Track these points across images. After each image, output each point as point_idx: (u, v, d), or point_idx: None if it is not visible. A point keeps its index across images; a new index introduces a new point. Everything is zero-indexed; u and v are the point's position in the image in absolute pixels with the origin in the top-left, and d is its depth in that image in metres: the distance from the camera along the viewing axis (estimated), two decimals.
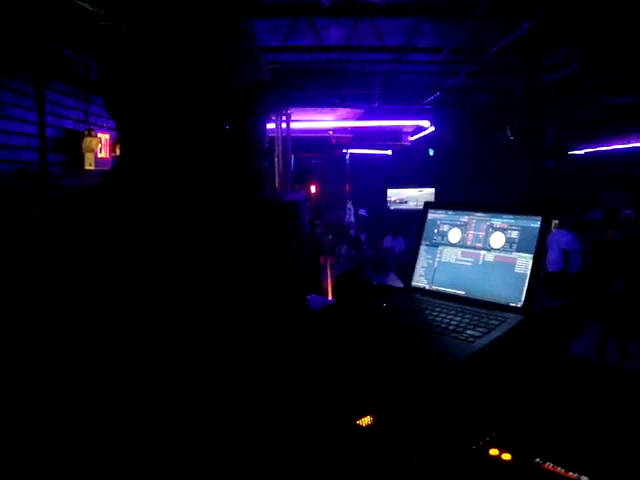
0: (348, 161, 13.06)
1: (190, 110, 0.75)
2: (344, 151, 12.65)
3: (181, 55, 0.74)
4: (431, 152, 13.21)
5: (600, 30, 5.24)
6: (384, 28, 6.44)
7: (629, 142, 10.37)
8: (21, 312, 0.69)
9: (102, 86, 0.77)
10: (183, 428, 0.67)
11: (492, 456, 0.87)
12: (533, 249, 1.21)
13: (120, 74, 0.75)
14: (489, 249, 1.28)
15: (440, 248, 1.37)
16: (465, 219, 1.35)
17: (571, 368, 1.13)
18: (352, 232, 10.54)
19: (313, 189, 12.27)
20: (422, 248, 1.40)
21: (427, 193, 13.72)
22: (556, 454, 0.84)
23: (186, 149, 0.76)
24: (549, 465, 0.82)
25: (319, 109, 8.88)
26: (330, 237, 8.81)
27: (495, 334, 1.11)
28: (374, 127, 10.58)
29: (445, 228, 1.38)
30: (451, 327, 1.16)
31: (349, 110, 9.22)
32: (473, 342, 1.09)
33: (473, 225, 1.33)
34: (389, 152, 13.24)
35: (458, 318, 1.18)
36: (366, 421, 1.00)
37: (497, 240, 1.27)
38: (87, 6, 4.01)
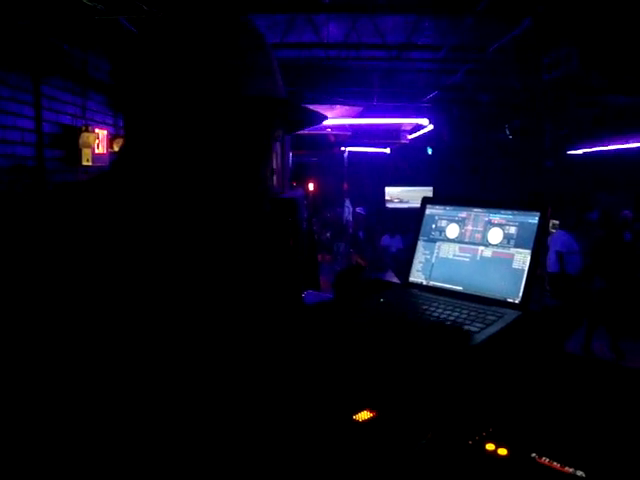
0: (346, 159, 13.05)
1: (204, 116, 0.74)
2: (342, 149, 12.65)
3: (196, 60, 0.73)
4: (429, 151, 13.22)
5: (600, 29, 5.24)
6: (383, 25, 6.44)
7: (628, 142, 10.38)
8: (15, 311, 0.69)
9: (117, 88, 0.77)
10: (180, 425, 0.67)
11: (488, 451, 0.86)
12: (531, 245, 1.20)
13: (136, 82, 0.75)
14: (487, 245, 1.27)
15: (438, 243, 1.36)
16: (463, 215, 1.34)
17: (567, 364, 1.12)
18: (350, 230, 10.54)
19: (311, 187, 12.28)
20: (420, 243, 1.40)
21: (428, 193, 13.72)
22: (552, 449, 0.84)
23: (193, 151, 0.76)
24: (545, 460, 0.82)
25: (317, 106, 8.87)
26: (328, 235, 8.82)
27: (492, 330, 1.10)
28: (373, 125, 10.58)
29: (443, 223, 1.37)
30: (448, 322, 1.15)
31: (348, 108, 9.23)
32: (470, 337, 1.08)
33: (471, 221, 1.32)
34: (388, 150, 13.24)
35: (455, 313, 1.18)
36: (362, 416, 0.99)
37: (495, 236, 1.27)
38: (85, 0, 3.99)
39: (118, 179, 0.77)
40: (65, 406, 0.66)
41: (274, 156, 0.87)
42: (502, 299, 1.20)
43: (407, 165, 13.64)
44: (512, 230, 1.24)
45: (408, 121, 10.57)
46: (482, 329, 1.11)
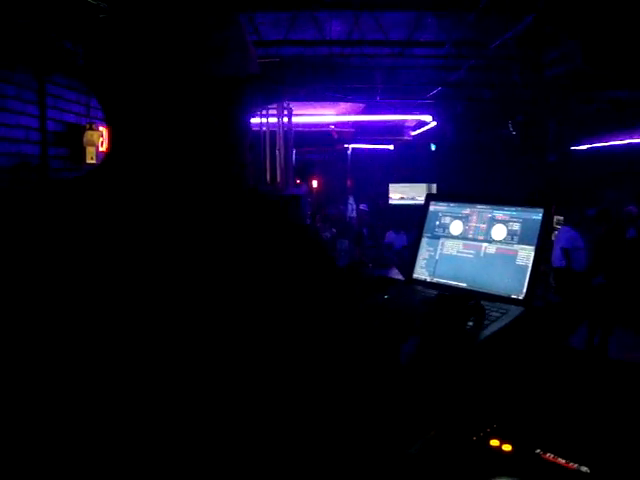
0: (350, 156, 13.04)
1: (175, 98, 0.73)
2: (346, 146, 12.64)
3: (166, 41, 0.72)
4: (433, 147, 13.19)
5: (603, 24, 5.21)
6: (386, 22, 6.42)
7: (632, 137, 10.33)
8: (18, 312, 0.69)
9: (88, 73, 0.76)
10: (182, 425, 0.67)
11: (493, 447, 0.87)
12: (535, 241, 1.20)
13: (106, 62, 0.73)
14: (491, 241, 1.27)
15: (441, 240, 1.36)
16: (467, 211, 1.34)
17: (571, 360, 1.12)
18: (355, 227, 10.53)
19: (315, 184, 12.27)
20: (423, 240, 1.40)
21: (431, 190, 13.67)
22: (556, 445, 0.84)
23: (172, 138, 0.75)
24: (549, 456, 0.82)
25: (321, 103, 8.86)
26: (333, 230, 8.81)
27: (496, 326, 1.10)
28: (376, 122, 10.56)
29: (447, 220, 1.37)
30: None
31: (351, 104, 9.21)
32: (474, 334, 1.08)
33: (475, 217, 1.32)
34: (391, 147, 13.22)
35: None
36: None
37: (499, 232, 1.27)
38: None
39: (104, 174, 0.77)
40: (64, 406, 0.66)
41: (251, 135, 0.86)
42: (506, 295, 1.20)
43: (410, 162, 13.61)
44: (516, 226, 1.24)
45: (411, 118, 10.55)
46: (486, 325, 1.11)
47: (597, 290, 6.03)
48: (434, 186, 13.80)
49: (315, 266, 0.74)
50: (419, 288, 1.35)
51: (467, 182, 12.50)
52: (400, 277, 1.57)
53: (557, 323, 1.21)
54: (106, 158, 0.78)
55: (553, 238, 6.76)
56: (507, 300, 1.19)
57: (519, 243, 1.22)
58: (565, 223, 7.02)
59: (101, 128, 5.10)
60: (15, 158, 4.06)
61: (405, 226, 10.49)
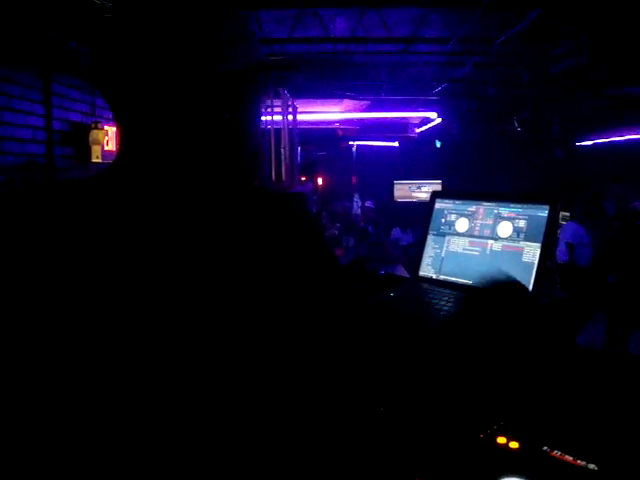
0: (355, 153, 13.02)
1: (184, 94, 0.73)
2: (351, 143, 12.62)
3: (171, 38, 0.72)
4: (438, 144, 13.14)
5: (609, 20, 5.19)
6: (390, 19, 6.40)
7: (638, 133, 10.27)
8: (19, 310, 0.69)
9: (95, 72, 0.76)
10: (184, 424, 0.67)
11: (500, 444, 0.86)
12: (541, 238, 1.20)
13: (112, 61, 0.73)
14: (497, 238, 1.27)
15: (447, 237, 1.36)
16: (472, 208, 1.34)
17: (578, 357, 1.12)
18: (361, 224, 10.51)
19: (320, 181, 12.27)
20: (429, 238, 1.40)
21: (436, 187, 13.63)
22: (564, 442, 0.84)
23: (182, 135, 0.75)
24: (557, 453, 0.82)
25: (325, 101, 8.85)
26: (338, 227, 8.79)
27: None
28: (381, 119, 10.53)
29: (452, 217, 1.37)
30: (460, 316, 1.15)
31: (355, 102, 9.20)
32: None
33: (480, 214, 1.32)
34: (396, 144, 13.19)
35: None
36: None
37: (505, 229, 1.26)
38: None
39: (115, 174, 0.77)
40: (64, 405, 0.66)
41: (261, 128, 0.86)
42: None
43: (416, 159, 13.57)
44: (522, 223, 1.24)
45: (416, 115, 10.52)
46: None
47: (613, 288, 5.96)
48: (439, 182, 13.75)
49: (319, 264, 0.74)
50: (425, 285, 1.35)
51: (472, 179, 12.45)
52: (406, 274, 1.57)
53: (564, 320, 1.21)
54: (117, 158, 0.78)
55: (558, 234, 6.73)
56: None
57: (525, 240, 1.22)
58: (571, 219, 7.00)
59: (106, 127, 5.12)
60: (21, 158, 4.07)
61: (411, 223, 10.46)
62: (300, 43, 7.01)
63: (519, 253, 1.22)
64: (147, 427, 0.66)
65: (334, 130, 10.86)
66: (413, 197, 13.88)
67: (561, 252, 6.77)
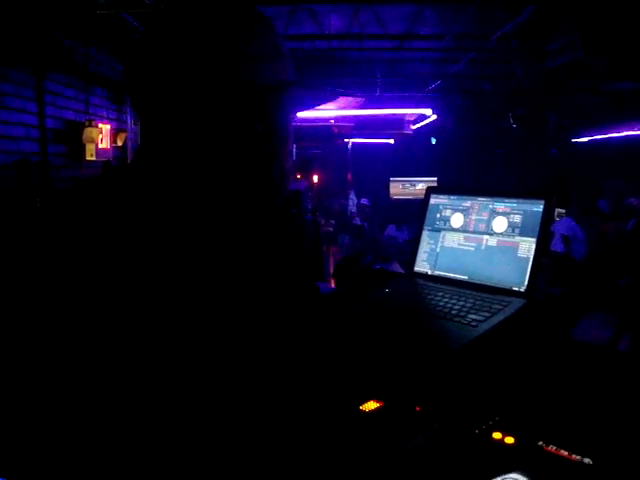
0: (350, 150, 13.01)
1: (218, 107, 0.74)
2: (346, 140, 12.61)
3: (206, 51, 0.72)
4: (433, 141, 13.16)
5: (605, 15, 5.19)
6: (385, 15, 6.40)
7: (634, 129, 10.29)
8: (18, 309, 0.68)
9: (129, 85, 0.77)
10: (189, 419, 0.67)
11: (495, 440, 0.86)
12: (536, 233, 1.20)
13: (146, 73, 0.74)
14: (492, 233, 1.27)
15: (442, 233, 1.36)
16: (467, 204, 1.34)
17: (574, 352, 1.12)
18: (357, 220, 10.51)
19: (315, 178, 12.26)
20: (424, 233, 1.40)
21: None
22: (559, 437, 0.84)
23: (210, 146, 0.75)
24: (552, 448, 0.82)
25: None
26: (333, 224, 8.80)
27: (498, 318, 1.10)
28: (376, 116, 10.53)
29: (447, 213, 1.37)
30: (454, 312, 1.15)
31: (351, 99, 9.19)
32: (476, 326, 1.08)
33: (476, 210, 1.32)
34: (391, 141, 13.19)
35: (461, 303, 1.18)
36: (369, 406, 0.99)
37: (500, 224, 1.26)
38: None
39: (130, 175, 0.77)
40: (64, 405, 0.66)
41: (290, 143, 0.86)
42: (507, 288, 1.20)
43: (411, 156, 13.58)
44: (517, 219, 1.24)
45: (411, 111, 10.51)
46: (488, 318, 1.11)
47: (624, 291, 5.93)
48: (434, 179, 13.75)
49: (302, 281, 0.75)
50: (420, 281, 1.34)
51: (468, 175, 12.47)
52: (402, 271, 1.57)
53: (560, 315, 1.21)
54: (148, 170, 0.77)
55: (552, 228, 6.75)
56: (509, 292, 1.19)
57: (520, 235, 1.22)
58: (567, 215, 7.02)
59: (100, 125, 5.10)
60: (15, 155, 4.05)
61: (407, 220, 10.47)
62: (294, 40, 7.00)
63: (514, 248, 1.22)
64: (140, 425, 0.66)
65: (329, 127, 10.85)
66: (409, 194, 13.88)
67: (556, 244, 6.78)
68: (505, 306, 1.14)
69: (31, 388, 0.67)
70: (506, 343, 1.10)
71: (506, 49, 6.95)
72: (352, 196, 12.05)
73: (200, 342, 0.67)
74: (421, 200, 1.45)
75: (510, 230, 1.24)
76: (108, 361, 0.66)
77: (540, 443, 0.83)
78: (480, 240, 1.28)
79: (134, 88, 0.77)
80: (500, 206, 1.28)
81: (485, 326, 1.08)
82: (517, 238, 1.22)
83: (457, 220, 1.34)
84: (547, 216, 1.20)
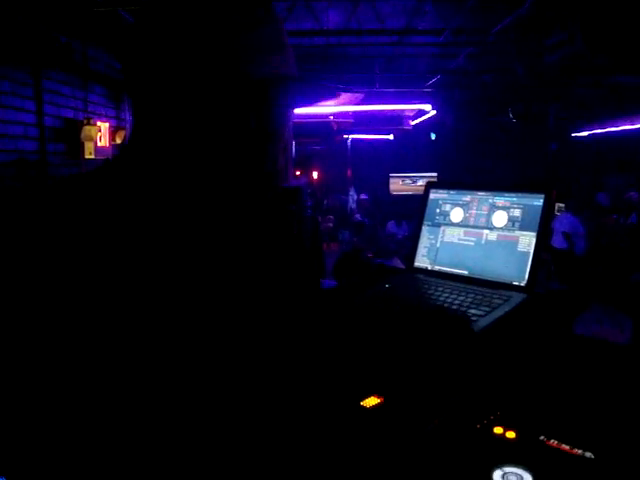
0: (350, 146, 13.00)
1: (213, 99, 0.72)
2: (345, 136, 12.60)
3: (202, 42, 0.70)
4: (433, 136, 13.14)
5: (604, 8, 5.17)
6: (384, 10, 6.38)
7: (634, 123, 10.27)
8: (14, 307, 0.68)
9: (126, 77, 0.75)
10: (185, 415, 0.66)
11: (496, 434, 0.86)
12: (536, 227, 1.19)
13: (142, 61, 0.72)
14: (492, 228, 1.26)
15: (442, 228, 1.35)
16: (467, 198, 1.33)
17: (575, 346, 1.12)
18: (358, 216, 10.51)
19: (315, 175, 12.25)
20: (424, 228, 1.39)
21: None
22: (560, 431, 0.83)
23: (202, 138, 0.74)
24: (554, 442, 0.82)
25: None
26: (332, 219, 8.79)
27: (498, 313, 1.10)
28: (375, 111, 10.51)
29: (447, 208, 1.36)
30: (454, 306, 1.15)
31: (350, 95, 9.17)
32: (476, 321, 1.08)
33: (475, 204, 1.31)
34: (391, 137, 13.17)
35: (461, 297, 1.17)
36: (370, 402, 0.99)
37: (500, 219, 1.26)
38: None
39: (121, 169, 0.76)
40: (63, 405, 0.65)
41: (287, 136, 0.84)
42: (508, 282, 1.19)
43: (411, 151, 13.56)
44: (517, 213, 1.23)
45: (411, 107, 10.50)
46: (488, 313, 1.10)
47: (637, 287, 5.87)
48: (434, 175, 13.74)
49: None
50: (420, 276, 1.34)
51: (468, 171, 12.46)
52: (402, 266, 1.57)
53: (560, 309, 1.20)
54: (130, 155, 0.76)
55: (552, 225, 6.75)
56: (509, 287, 1.18)
57: (520, 229, 1.21)
58: (566, 210, 7.02)
59: (99, 123, 5.09)
60: (13, 154, 4.05)
61: (407, 216, 10.47)
62: (293, 36, 6.98)
63: (514, 242, 1.21)
64: (139, 424, 0.65)
65: (329, 123, 10.84)
66: (409, 190, 13.86)
67: (557, 240, 6.78)
68: (505, 300, 1.13)
69: (31, 388, 0.66)
70: (507, 337, 1.09)
71: (505, 43, 6.93)
72: (352, 192, 12.05)
73: (199, 338, 0.66)
74: (421, 196, 1.44)
75: (510, 224, 1.23)
76: (106, 359, 0.65)
77: (542, 438, 0.83)
78: (480, 235, 1.28)
79: (130, 76, 0.75)
80: (500, 200, 1.27)
81: (485, 321, 1.08)
82: (517, 232, 1.22)
83: (457, 215, 1.34)
84: (547, 210, 1.20)
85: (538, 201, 1.21)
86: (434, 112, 10.63)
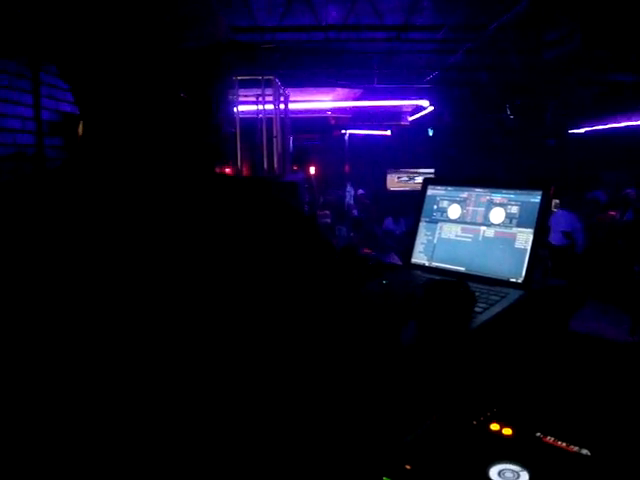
0: (347, 142, 12.99)
1: (142, 74, 0.70)
2: (343, 132, 12.59)
3: (133, 15, 0.67)
4: (430, 132, 13.13)
5: (603, 5, 5.16)
6: (382, 6, 6.36)
7: (631, 120, 10.28)
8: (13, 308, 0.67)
9: (52, 51, 0.74)
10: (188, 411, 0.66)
11: (493, 431, 0.86)
12: (533, 224, 1.19)
13: (69, 38, 0.71)
14: (489, 225, 1.26)
15: (440, 224, 1.35)
16: (465, 195, 1.33)
17: (572, 343, 1.12)
18: (355, 212, 10.49)
19: (312, 170, 12.24)
20: (421, 225, 1.39)
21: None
22: (557, 428, 0.84)
23: (140, 116, 0.71)
24: (550, 439, 0.82)
25: (317, 89, 8.81)
26: (328, 214, 8.79)
27: (496, 309, 1.10)
28: (373, 107, 10.51)
29: (444, 204, 1.36)
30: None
31: (348, 90, 9.16)
32: (474, 318, 1.08)
33: (473, 201, 1.31)
34: (388, 132, 13.17)
35: None
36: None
37: (497, 215, 1.26)
38: None
39: (76, 164, 0.74)
40: (62, 405, 0.65)
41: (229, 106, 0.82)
42: (505, 279, 1.19)
43: (408, 147, 13.54)
44: (514, 209, 1.23)
45: (408, 103, 10.49)
46: (485, 309, 1.10)
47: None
48: (432, 171, 13.74)
49: (310, 250, 0.73)
50: (418, 273, 1.34)
51: (465, 167, 12.45)
52: (399, 262, 1.57)
53: (557, 306, 1.21)
54: (79, 146, 0.75)
55: (549, 222, 6.75)
56: (506, 284, 1.18)
57: (518, 226, 1.21)
58: (562, 206, 7.02)
59: None
60: (11, 148, 4.03)
61: (404, 212, 10.46)
62: (291, 31, 6.96)
63: (512, 239, 1.21)
64: (142, 424, 0.65)
65: (326, 119, 10.84)
66: (406, 186, 13.85)
67: (555, 237, 6.78)
68: (503, 297, 1.14)
69: (30, 388, 0.66)
70: (504, 334, 1.09)
71: (503, 40, 6.92)
72: (349, 188, 12.03)
73: (193, 337, 0.66)
74: (418, 192, 1.44)
75: (507, 221, 1.23)
76: (104, 358, 0.65)
77: (538, 434, 0.83)
78: (477, 231, 1.28)
79: (64, 61, 0.73)
80: (497, 197, 1.27)
81: (483, 317, 1.08)
82: (514, 229, 1.22)
83: (454, 211, 1.34)
84: (545, 207, 1.20)
85: (536, 198, 1.21)
86: (432, 108, 10.63)
